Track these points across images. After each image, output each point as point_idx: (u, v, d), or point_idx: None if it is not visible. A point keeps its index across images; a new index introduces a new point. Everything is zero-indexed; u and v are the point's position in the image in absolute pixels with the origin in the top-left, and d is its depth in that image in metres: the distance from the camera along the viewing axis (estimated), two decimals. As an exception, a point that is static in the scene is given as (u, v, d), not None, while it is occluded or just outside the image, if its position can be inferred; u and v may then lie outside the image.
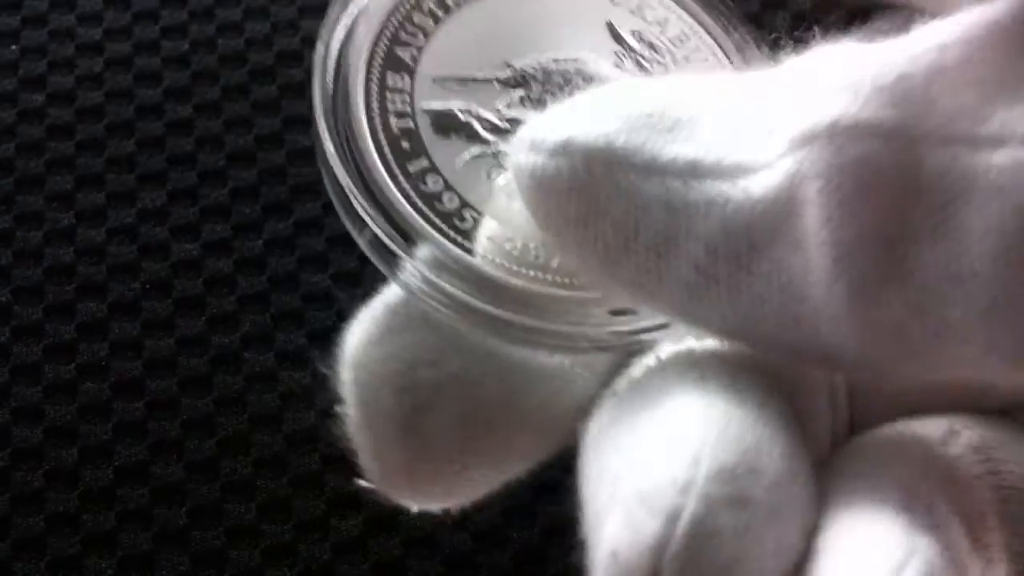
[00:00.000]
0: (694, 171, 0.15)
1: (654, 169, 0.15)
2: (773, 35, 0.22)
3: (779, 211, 0.14)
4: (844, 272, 0.14)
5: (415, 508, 0.19)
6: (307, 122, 0.31)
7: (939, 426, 0.16)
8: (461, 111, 0.20)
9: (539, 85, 0.21)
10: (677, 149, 0.15)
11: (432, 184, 0.19)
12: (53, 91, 0.32)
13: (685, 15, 0.22)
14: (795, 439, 0.15)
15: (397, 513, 0.25)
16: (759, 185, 0.14)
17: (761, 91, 0.15)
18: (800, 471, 0.15)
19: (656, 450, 0.15)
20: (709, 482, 0.14)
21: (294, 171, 0.30)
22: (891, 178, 0.13)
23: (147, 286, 0.29)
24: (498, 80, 0.20)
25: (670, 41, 0.22)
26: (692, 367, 0.16)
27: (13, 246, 0.30)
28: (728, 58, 0.21)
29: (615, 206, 0.15)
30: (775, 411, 0.15)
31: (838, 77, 0.14)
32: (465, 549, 0.25)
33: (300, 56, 0.32)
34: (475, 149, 0.20)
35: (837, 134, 0.14)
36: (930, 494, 0.15)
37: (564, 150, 0.15)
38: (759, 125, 0.15)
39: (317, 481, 0.26)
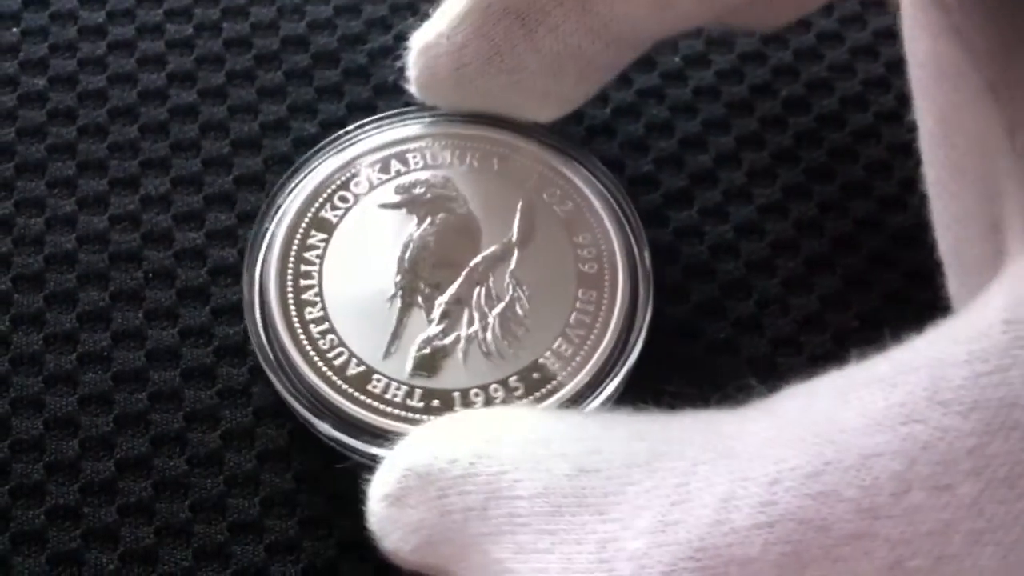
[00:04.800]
0: None
1: None
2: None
3: None
4: None
5: None
6: (312, 110, 0.31)
7: None
8: None
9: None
10: None
11: None
12: (54, 74, 0.32)
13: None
14: None
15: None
16: None
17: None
18: None
19: None
20: None
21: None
22: None
23: (150, 275, 0.28)
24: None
25: None
26: None
27: (13, 233, 0.29)
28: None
29: None
30: None
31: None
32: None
33: (306, 41, 0.32)
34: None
35: None
36: None
37: None
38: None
39: (322, 477, 0.26)
